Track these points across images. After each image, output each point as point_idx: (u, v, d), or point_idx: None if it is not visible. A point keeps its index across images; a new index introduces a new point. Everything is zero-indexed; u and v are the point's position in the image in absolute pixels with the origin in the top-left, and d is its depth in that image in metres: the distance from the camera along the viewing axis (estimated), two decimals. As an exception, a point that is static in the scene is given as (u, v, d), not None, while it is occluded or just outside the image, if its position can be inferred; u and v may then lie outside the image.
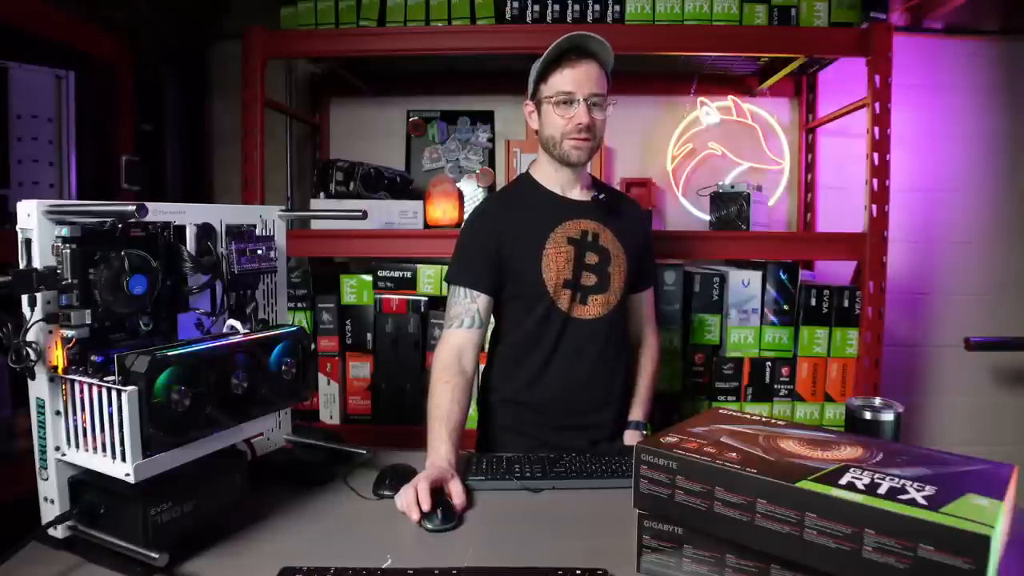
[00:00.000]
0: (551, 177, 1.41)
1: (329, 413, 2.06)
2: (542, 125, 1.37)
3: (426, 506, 1.00)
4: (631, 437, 1.42)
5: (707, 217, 2.18)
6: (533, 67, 1.36)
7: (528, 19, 1.93)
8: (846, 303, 1.95)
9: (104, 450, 0.83)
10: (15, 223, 0.84)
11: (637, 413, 1.46)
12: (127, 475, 0.81)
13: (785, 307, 1.97)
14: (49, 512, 0.89)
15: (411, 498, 1.02)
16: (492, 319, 1.40)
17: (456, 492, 1.07)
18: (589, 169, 1.46)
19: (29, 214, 0.83)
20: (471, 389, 1.31)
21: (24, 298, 0.83)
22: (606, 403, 1.42)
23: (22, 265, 0.84)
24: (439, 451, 1.17)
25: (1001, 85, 2.36)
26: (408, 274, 2.02)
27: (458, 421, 1.23)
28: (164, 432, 0.84)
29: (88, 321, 0.85)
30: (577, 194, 1.41)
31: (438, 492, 1.05)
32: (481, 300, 1.33)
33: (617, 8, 1.91)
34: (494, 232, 1.35)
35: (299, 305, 2.04)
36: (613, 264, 1.38)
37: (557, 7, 1.92)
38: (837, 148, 2.35)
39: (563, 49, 1.30)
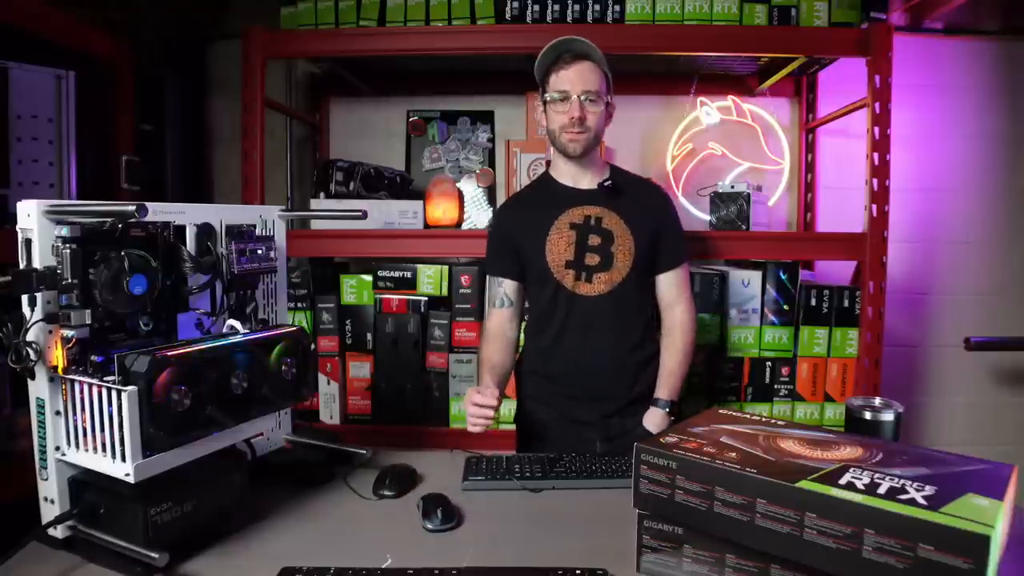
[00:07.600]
0: (563, 170, 1.54)
1: (329, 413, 2.06)
2: (547, 123, 1.49)
3: (485, 400, 1.27)
4: (651, 416, 1.46)
5: (707, 217, 2.17)
6: (535, 71, 1.49)
7: (528, 19, 1.93)
8: (846, 303, 1.95)
9: (104, 450, 0.83)
10: (15, 223, 0.84)
11: (662, 391, 1.49)
12: (127, 475, 0.81)
13: (785, 307, 1.97)
14: (49, 512, 0.89)
15: (474, 410, 1.27)
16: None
17: (491, 394, 1.28)
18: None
19: (29, 214, 0.83)
20: (512, 348, 1.54)
21: (24, 298, 0.83)
22: (618, 376, 1.49)
23: (22, 265, 0.84)
24: (484, 381, 1.43)
25: (1001, 85, 2.36)
26: (408, 274, 2.02)
27: (501, 366, 1.49)
28: (164, 432, 0.84)
29: (88, 321, 0.85)
30: (587, 183, 1.52)
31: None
32: (507, 284, 1.54)
33: (617, 8, 1.91)
34: (509, 227, 1.54)
35: (299, 305, 2.04)
36: (617, 244, 1.47)
37: (557, 7, 1.92)
38: (837, 148, 2.35)
39: (560, 52, 1.44)
